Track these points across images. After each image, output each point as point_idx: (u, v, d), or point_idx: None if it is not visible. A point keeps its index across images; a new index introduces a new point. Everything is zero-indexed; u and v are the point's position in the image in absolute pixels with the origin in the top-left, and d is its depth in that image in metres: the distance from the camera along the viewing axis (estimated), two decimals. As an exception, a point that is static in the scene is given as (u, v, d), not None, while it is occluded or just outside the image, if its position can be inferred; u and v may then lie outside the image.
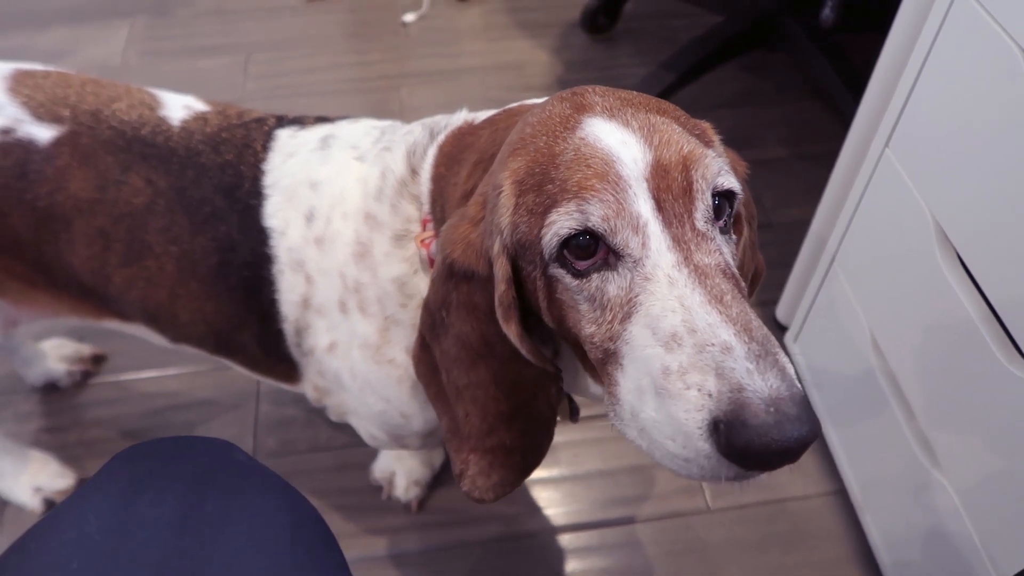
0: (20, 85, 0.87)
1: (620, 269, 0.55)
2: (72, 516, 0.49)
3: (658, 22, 2.12)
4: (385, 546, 1.20)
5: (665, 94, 1.68)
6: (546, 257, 0.57)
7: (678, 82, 1.71)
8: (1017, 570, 0.82)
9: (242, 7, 2.19)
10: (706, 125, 0.65)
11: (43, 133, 0.84)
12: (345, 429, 1.30)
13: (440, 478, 1.27)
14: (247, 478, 0.54)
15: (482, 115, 0.76)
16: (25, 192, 0.84)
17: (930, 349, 0.92)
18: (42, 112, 0.85)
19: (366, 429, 0.97)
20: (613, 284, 0.56)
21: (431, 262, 0.74)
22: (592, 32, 2.07)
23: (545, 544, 1.21)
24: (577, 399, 0.80)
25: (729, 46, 1.77)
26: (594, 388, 0.72)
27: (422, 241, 0.74)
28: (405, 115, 1.84)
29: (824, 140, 1.77)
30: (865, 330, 1.05)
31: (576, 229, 0.55)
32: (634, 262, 0.55)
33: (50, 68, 0.92)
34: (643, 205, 0.55)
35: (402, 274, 0.78)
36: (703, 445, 0.49)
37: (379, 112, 1.86)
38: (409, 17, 2.14)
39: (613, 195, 0.54)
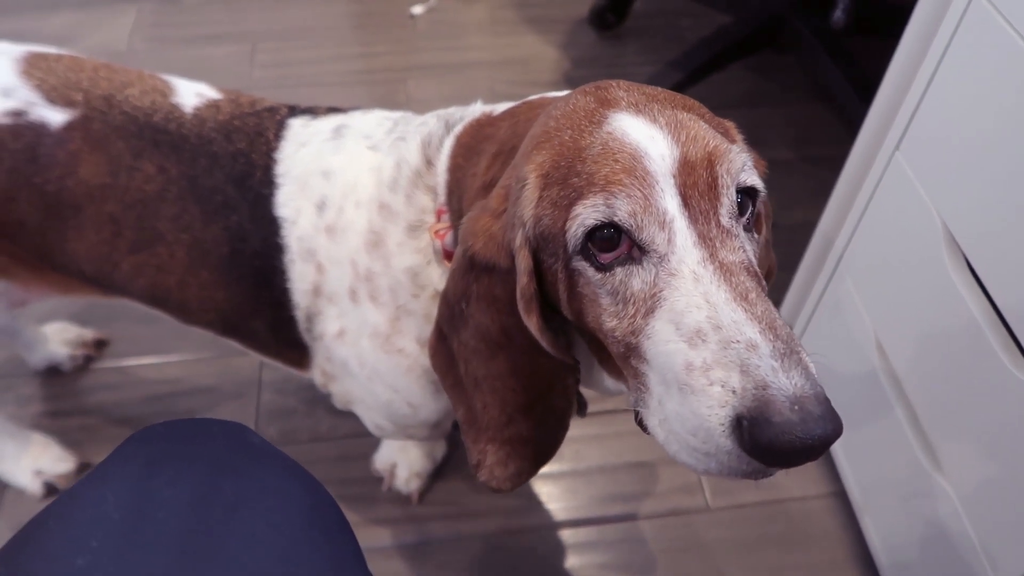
0: (33, 68, 0.87)
1: (644, 264, 0.56)
2: (90, 496, 0.49)
3: (666, 20, 2.13)
4: (385, 537, 1.20)
5: (672, 93, 1.68)
6: (569, 250, 0.57)
7: (685, 81, 1.71)
8: (1018, 574, 0.83)
9: (250, -5, 2.19)
10: (730, 124, 0.65)
11: (55, 117, 0.84)
12: (346, 419, 1.31)
13: (441, 470, 1.27)
14: (262, 461, 0.55)
15: (500, 107, 0.76)
16: (35, 176, 0.84)
17: (934, 352, 0.92)
18: (55, 95, 0.85)
19: (372, 419, 0.97)
20: (637, 278, 0.56)
21: (445, 253, 0.74)
22: (600, 29, 2.07)
23: (544, 539, 1.21)
24: (585, 393, 0.81)
25: (737, 46, 1.77)
26: (608, 382, 0.72)
27: (436, 232, 0.74)
28: (412, 107, 1.83)
29: (829, 142, 1.78)
30: (870, 332, 1.05)
31: (602, 221, 0.55)
32: (659, 257, 0.55)
33: (62, 51, 0.92)
34: (670, 201, 0.55)
35: (415, 264, 0.78)
36: (724, 441, 0.49)
37: (385, 104, 1.84)
38: (417, 9, 2.14)
39: (640, 190, 0.54)
